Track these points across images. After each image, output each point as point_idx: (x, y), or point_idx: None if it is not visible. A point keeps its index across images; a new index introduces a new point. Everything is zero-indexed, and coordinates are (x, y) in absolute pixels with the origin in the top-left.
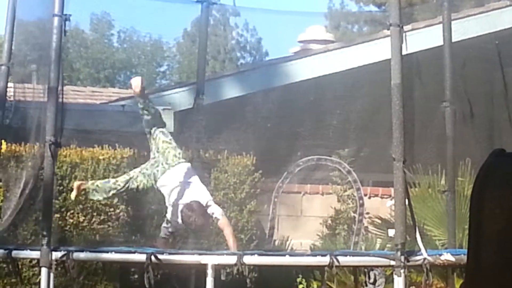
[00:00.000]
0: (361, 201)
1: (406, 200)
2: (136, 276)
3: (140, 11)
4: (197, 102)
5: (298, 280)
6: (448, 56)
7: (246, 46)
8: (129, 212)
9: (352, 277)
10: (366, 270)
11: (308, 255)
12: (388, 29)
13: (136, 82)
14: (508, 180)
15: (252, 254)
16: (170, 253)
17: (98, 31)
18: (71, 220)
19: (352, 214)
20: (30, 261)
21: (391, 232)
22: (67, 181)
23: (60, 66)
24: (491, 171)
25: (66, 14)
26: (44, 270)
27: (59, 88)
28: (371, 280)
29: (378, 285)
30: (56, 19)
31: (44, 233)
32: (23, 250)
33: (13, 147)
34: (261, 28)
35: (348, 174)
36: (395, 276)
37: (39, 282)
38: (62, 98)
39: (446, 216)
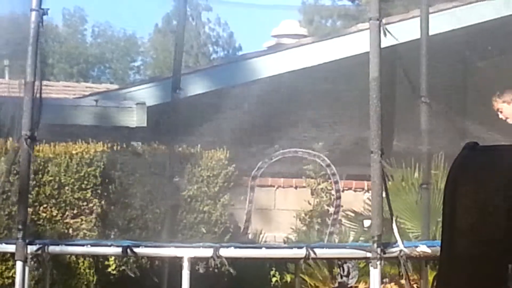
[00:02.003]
0: (338, 194)
1: (384, 193)
2: (110, 270)
3: (114, 6)
4: (174, 96)
5: (272, 273)
6: (424, 50)
7: (219, 40)
8: (102, 206)
9: (326, 270)
10: (339, 262)
11: (284, 247)
12: (363, 23)
13: None
14: (481, 174)
15: (228, 247)
16: (146, 246)
17: (71, 26)
18: (44, 214)
19: (326, 208)
20: (3, 255)
21: (367, 223)
22: (39, 175)
23: (37, 60)
24: (464, 165)
25: (43, 9)
26: (19, 264)
27: (36, 82)
28: (345, 273)
29: (352, 278)
30: (33, 14)
31: (20, 226)
32: None
33: None
34: (233, 23)
35: (327, 167)
36: (371, 268)
37: (13, 276)
38: (40, 93)
39: (420, 209)
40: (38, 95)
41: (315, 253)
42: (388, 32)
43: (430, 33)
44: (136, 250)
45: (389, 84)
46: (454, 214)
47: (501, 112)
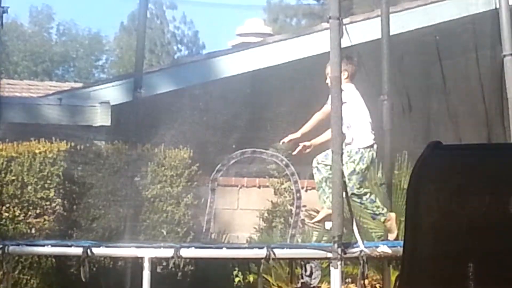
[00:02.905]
0: (298, 194)
1: (344, 193)
2: (72, 270)
3: (80, 4)
4: (135, 95)
5: (235, 273)
6: (385, 49)
7: (183, 39)
8: (65, 206)
9: (289, 270)
10: (302, 262)
11: (245, 247)
12: (328, 22)
13: None
14: (443, 173)
15: (189, 247)
16: (106, 246)
17: (38, 23)
18: (7, 214)
19: (289, 207)
20: None
21: (328, 225)
22: (2, 175)
23: None
24: (427, 165)
25: (3, 7)
26: None
27: None
28: (307, 273)
29: (314, 278)
30: None
31: None
32: None
33: None
34: (198, 21)
35: (286, 167)
36: (331, 268)
37: None
38: None
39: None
40: None
41: (275, 254)
42: (347, 32)
43: (397, 31)
44: (96, 250)
45: (357, 82)
46: (417, 213)
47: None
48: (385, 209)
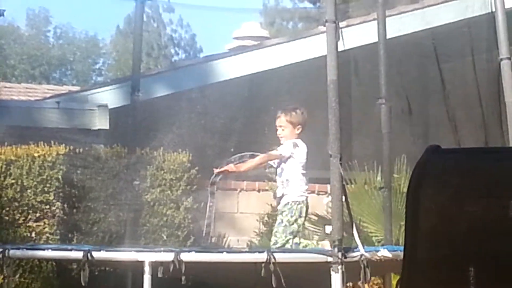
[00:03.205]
0: None
1: (343, 197)
2: (72, 274)
3: (76, 6)
4: (133, 99)
5: None
6: (382, 53)
7: (181, 42)
8: (65, 209)
9: None
10: None
11: (245, 252)
12: (324, 26)
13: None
14: (442, 177)
15: (189, 251)
16: (107, 250)
17: (35, 26)
18: (7, 218)
19: None
20: None
21: (328, 229)
22: (1, 178)
23: None
24: (426, 169)
25: (0, 10)
26: None
27: None
28: None
29: None
30: None
31: None
32: None
33: None
34: (196, 25)
35: None
36: (332, 273)
37: None
38: None
39: (382, 212)
40: None
41: (275, 258)
42: (342, 36)
43: (393, 35)
44: (97, 254)
45: (355, 86)
46: (417, 217)
47: (282, 129)
48: (313, 241)
